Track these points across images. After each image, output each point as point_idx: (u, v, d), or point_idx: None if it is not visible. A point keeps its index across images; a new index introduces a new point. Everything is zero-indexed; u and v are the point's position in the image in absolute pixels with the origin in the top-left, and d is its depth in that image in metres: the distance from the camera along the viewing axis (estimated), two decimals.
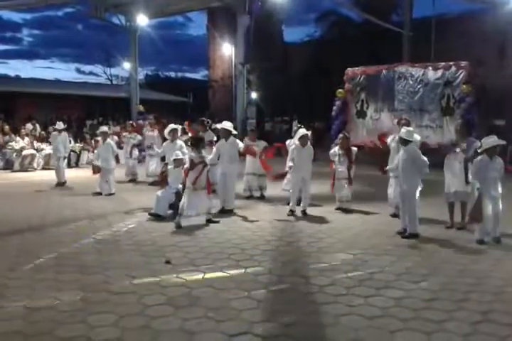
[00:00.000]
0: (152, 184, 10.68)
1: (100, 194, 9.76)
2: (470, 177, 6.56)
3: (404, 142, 6.56)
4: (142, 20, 19.43)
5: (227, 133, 8.15)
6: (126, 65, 24.27)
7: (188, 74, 77.29)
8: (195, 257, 5.44)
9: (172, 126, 9.41)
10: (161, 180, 8.00)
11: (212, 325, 3.75)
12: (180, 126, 10.15)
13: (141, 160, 12.70)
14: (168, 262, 5.21)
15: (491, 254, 5.70)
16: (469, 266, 5.22)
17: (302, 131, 8.17)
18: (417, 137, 7.14)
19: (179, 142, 9.08)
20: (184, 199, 7.03)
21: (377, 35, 20.34)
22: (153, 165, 11.39)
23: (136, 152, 12.04)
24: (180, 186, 7.55)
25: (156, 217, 7.47)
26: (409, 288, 4.56)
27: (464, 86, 12.52)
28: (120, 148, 12.14)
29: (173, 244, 6.02)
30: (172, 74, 56.12)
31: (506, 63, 19.42)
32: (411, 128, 7.02)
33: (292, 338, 3.61)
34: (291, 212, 7.90)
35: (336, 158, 8.20)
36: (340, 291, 4.47)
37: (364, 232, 6.76)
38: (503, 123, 14.55)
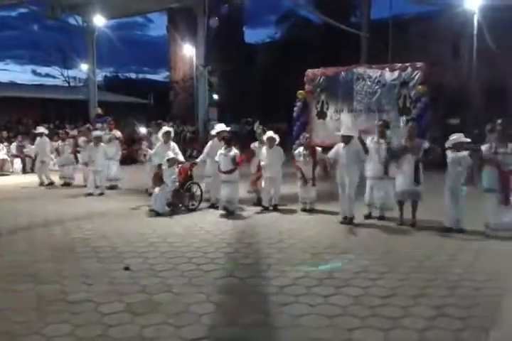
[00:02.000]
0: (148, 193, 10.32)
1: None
2: (422, 176, 6.87)
3: (346, 139, 7.17)
4: (99, 20, 19.05)
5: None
6: (84, 67, 23.74)
7: (149, 76, 76.22)
8: (154, 262, 5.35)
9: (165, 128, 9.63)
10: (156, 180, 8.36)
11: (171, 331, 3.70)
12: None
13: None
14: (126, 268, 5.11)
15: (446, 249, 5.86)
16: (425, 262, 5.36)
17: (269, 132, 8.39)
18: (356, 133, 7.50)
19: (172, 143, 9.28)
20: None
21: (337, 36, 20.67)
22: (114, 170, 11.20)
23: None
24: (177, 184, 8.17)
25: (156, 214, 7.92)
26: (367, 285, 4.63)
27: (420, 86, 12.91)
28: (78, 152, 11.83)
29: (132, 249, 5.91)
30: (132, 75, 55.25)
31: (460, 63, 20.08)
32: (349, 125, 7.41)
33: (253, 340, 3.61)
34: (265, 208, 8.35)
35: (301, 159, 8.25)
36: (300, 291, 4.50)
37: (325, 232, 6.84)
38: (457, 122, 15.03)
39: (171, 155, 8.43)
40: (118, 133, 11.85)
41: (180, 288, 4.59)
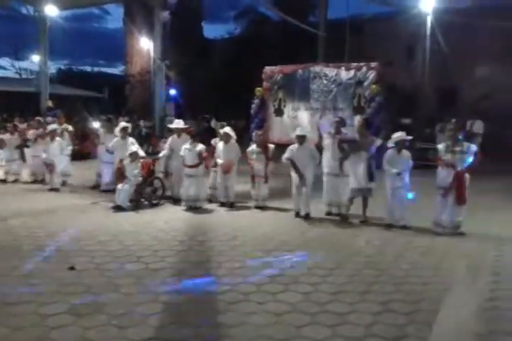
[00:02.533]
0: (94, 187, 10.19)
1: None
2: (374, 173, 7.03)
3: (301, 139, 7.36)
4: (52, 10, 18.32)
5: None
6: (36, 58, 22.81)
7: (105, 69, 74.14)
8: (101, 261, 5.20)
9: (123, 124, 9.52)
10: (118, 175, 8.31)
11: (115, 332, 3.60)
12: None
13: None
14: (72, 268, 4.93)
15: (394, 246, 6.00)
16: (374, 258, 5.46)
17: (226, 128, 8.36)
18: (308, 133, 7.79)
19: (130, 139, 9.18)
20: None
21: (295, 34, 20.78)
22: (64, 165, 10.79)
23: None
24: (140, 179, 8.19)
25: (119, 209, 7.87)
26: (316, 282, 4.67)
27: (374, 86, 13.20)
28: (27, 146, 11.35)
29: (79, 248, 5.72)
30: (88, 68, 53.66)
31: (414, 64, 20.60)
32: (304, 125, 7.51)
33: (201, 340, 3.56)
34: (222, 204, 8.34)
35: (254, 156, 8.23)
36: (250, 289, 4.48)
37: (277, 229, 6.85)
38: (409, 122, 15.43)
39: (133, 149, 8.41)
40: (69, 128, 11.47)
41: (128, 287, 4.47)
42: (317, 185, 7.68)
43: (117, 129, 9.30)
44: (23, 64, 49.03)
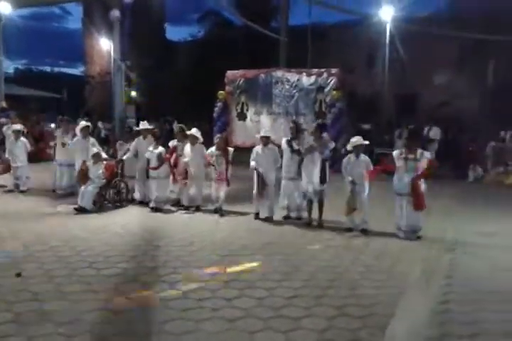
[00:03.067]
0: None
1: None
2: (328, 175, 7.08)
3: (265, 140, 7.54)
4: (5, 7, 17.65)
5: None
6: None
7: (65, 70, 72.33)
8: (51, 268, 4.99)
9: (84, 123, 9.39)
10: (82, 176, 8.20)
11: None
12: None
13: None
14: (18, 275, 4.71)
15: (351, 249, 6.03)
16: (331, 262, 5.47)
17: (193, 130, 8.34)
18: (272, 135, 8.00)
19: (91, 139, 9.12)
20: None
21: (258, 39, 20.85)
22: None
23: None
24: (104, 181, 8.15)
25: (82, 211, 7.77)
26: (272, 286, 4.62)
27: (334, 92, 13.40)
28: None
29: (29, 253, 5.48)
30: (47, 68, 52.22)
31: (374, 71, 21.06)
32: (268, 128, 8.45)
33: None
34: (185, 208, 8.25)
35: (213, 158, 8.14)
36: (205, 295, 4.39)
37: (236, 233, 6.77)
38: (369, 128, 15.73)
39: (95, 150, 8.33)
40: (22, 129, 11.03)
41: (76, 294, 4.30)
42: (275, 189, 7.70)
43: (78, 128, 9.14)
44: None
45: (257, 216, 7.64)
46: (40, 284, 4.53)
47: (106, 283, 4.64)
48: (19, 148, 9.89)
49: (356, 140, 6.98)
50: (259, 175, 7.51)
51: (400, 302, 4.34)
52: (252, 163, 7.60)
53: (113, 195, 8.47)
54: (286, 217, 7.66)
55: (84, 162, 8.38)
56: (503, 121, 13.93)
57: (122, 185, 8.62)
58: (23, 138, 10.05)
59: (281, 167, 7.67)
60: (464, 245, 6.33)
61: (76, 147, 9.00)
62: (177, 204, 8.50)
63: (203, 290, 4.51)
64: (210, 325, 3.79)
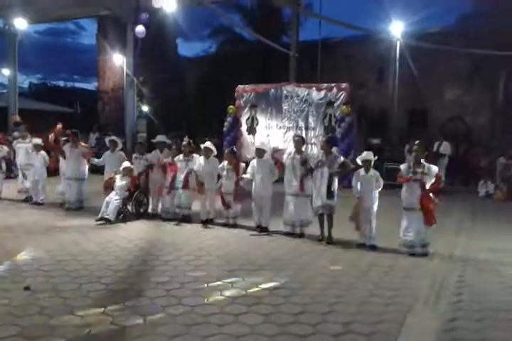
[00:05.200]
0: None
1: None
2: (336, 190, 7.08)
3: (260, 152, 7.80)
4: (21, 24, 18.09)
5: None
6: (6, 72, 22.41)
7: (80, 85, 73.55)
8: (58, 282, 5.02)
9: (112, 137, 9.89)
10: (107, 187, 8.55)
11: None
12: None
13: (8, 175, 11.83)
14: (26, 288, 4.74)
15: (359, 266, 5.98)
16: (338, 278, 5.43)
17: (207, 143, 8.52)
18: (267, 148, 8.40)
19: (120, 152, 9.48)
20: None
21: (268, 54, 21.04)
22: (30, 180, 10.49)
23: (3, 165, 11.01)
24: (127, 193, 8.44)
25: (105, 222, 8.03)
26: (279, 302, 4.60)
27: (344, 106, 13.43)
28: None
29: (36, 267, 5.51)
30: (61, 83, 53.04)
31: (383, 86, 21.09)
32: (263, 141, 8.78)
33: None
34: (202, 222, 8.31)
35: (224, 173, 8.19)
36: (212, 311, 4.38)
37: (243, 248, 6.77)
38: (378, 142, 15.69)
39: (127, 164, 8.67)
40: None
41: (83, 309, 4.31)
42: (279, 204, 7.79)
43: (106, 141, 9.65)
44: None
45: (258, 227, 7.83)
46: (47, 298, 4.56)
47: (114, 298, 4.65)
48: (39, 162, 10.04)
49: (366, 154, 7.01)
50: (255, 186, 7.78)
51: (408, 320, 4.29)
52: (246, 176, 7.85)
53: (134, 207, 8.72)
54: (289, 234, 7.58)
55: (114, 173, 8.70)
56: None
57: (143, 197, 8.86)
58: (42, 152, 10.21)
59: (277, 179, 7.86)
60: (474, 261, 6.26)
61: (106, 160, 9.37)
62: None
63: (211, 306, 4.50)
64: None
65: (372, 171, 6.95)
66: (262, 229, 7.79)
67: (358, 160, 7.05)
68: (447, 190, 6.74)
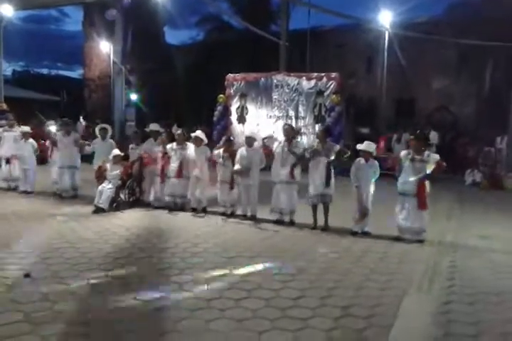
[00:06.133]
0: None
1: None
2: (332, 179, 7.16)
3: (249, 140, 7.87)
4: (7, 10, 17.74)
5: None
6: None
7: (64, 72, 72.30)
8: (58, 269, 5.05)
9: (103, 125, 9.82)
10: (99, 176, 8.51)
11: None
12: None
13: None
14: (27, 275, 4.77)
15: (353, 252, 6.12)
16: (334, 264, 5.55)
17: (197, 132, 8.57)
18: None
19: (110, 140, 9.49)
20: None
21: (257, 42, 20.96)
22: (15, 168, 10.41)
23: None
24: (120, 182, 8.43)
25: (99, 211, 8.03)
26: (279, 287, 4.70)
27: (334, 96, 13.50)
28: None
29: (36, 255, 5.53)
30: (45, 71, 52.13)
31: (373, 76, 21.21)
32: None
33: None
34: (194, 210, 8.42)
35: (220, 160, 8.21)
36: (213, 296, 4.46)
37: (240, 235, 6.86)
38: (367, 131, 15.85)
39: (116, 152, 8.62)
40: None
41: (86, 295, 4.37)
42: (264, 192, 7.92)
43: (97, 129, 9.58)
44: None
45: (245, 216, 7.95)
46: (49, 285, 4.59)
47: (113, 284, 4.70)
48: (28, 151, 9.96)
49: (366, 145, 7.03)
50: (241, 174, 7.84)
51: (404, 303, 4.43)
52: (236, 167, 7.83)
53: (128, 195, 8.73)
54: (279, 221, 7.63)
55: (103, 162, 8.65)
56: (499, 126, 14.08)
57: (135, 186, 8.87)
58: (31, 140, 10.13)
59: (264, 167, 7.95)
60: (464, 247, 6.44)
61: (96, 148, 9.34)
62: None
63: (211, 291, 4.59)
64: (219, 325, 3.86)
65: (371, 161, 7.02)
66: (250, 217, 7.87)
67: (359, 147, 7.08)
68: (434, 178, 6.84)
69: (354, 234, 6.99)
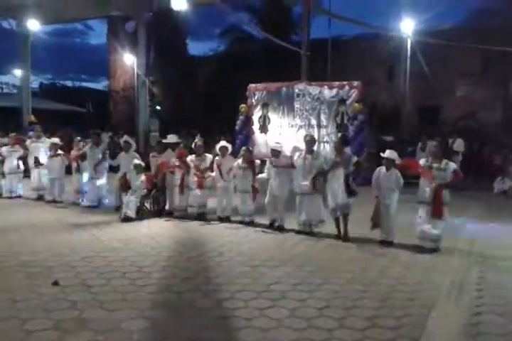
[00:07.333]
0: None
1: None
2: (352, 189, 7.03)
3: (275, 152, 7.83)
4: (34, 25, 18.30)
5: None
6: (18, 73, 22.64)
7: (89, 84, 73.82)
8: (86, 277, 5.13)
9: (126, 138, 9.94)
10: (123, 187, 8.70)
11: None
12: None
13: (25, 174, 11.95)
14: (55, 283, 4.85)
15: (379, 261, 6.04)
16: (359, 274, 5.48)
17: (222, 142, 8.84)
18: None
19: (133, 153, 9.52)
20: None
21: (279, 53, 21.07)
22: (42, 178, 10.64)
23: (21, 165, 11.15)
24: (145, 191, 8.61)
25: (128, 220, 8.15)
26: (303, 297, 4.67)
27: (356, 104, 13.42)
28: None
29: (63, 263, 5.63)
30: (70, 83, 53.27)
31: (394, 83, 21.06)
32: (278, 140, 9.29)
33: None
34: (219, 219, 8.49)
35: (240, 171, 8.25)
36: (238, 305, 4.46)
37: (264, 245, 6.85)
38: (391, 139, 15.70)
39: (137, 162, 8.77)
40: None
41: (112, 304, 4.41)
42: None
43: (121, 142, 9.84)
44: (5, 78, 48.66)
45: (271, 225, 7.91)
46: (77, 293, 4.66)
47: (140, 292, 4.74)
48: (57, 161, 10.20)
49: (389, 153, 6.96)
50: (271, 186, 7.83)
51: (432, 314, 4.34)
52: (263, 175, 8.02)
53: (152, 205, 8.89)
54: (300, 232, 7.55)
55: (124, 174, 8.83)
56: None
57: (160, 195, 8.98)
58: (60, 152, 10.35)
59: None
60: (493, 258, 6.28)
61: (120, 161, 9.43)
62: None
63: (236, 300, 4.59)
64: (244, 335, 3.85)
65: (393, 170, 6.92)
66: (277, 227, 7.82)
67: (382, 154, 7.02)
68: (461, 186, 6.68)
69: (381, 242, 6.89)
